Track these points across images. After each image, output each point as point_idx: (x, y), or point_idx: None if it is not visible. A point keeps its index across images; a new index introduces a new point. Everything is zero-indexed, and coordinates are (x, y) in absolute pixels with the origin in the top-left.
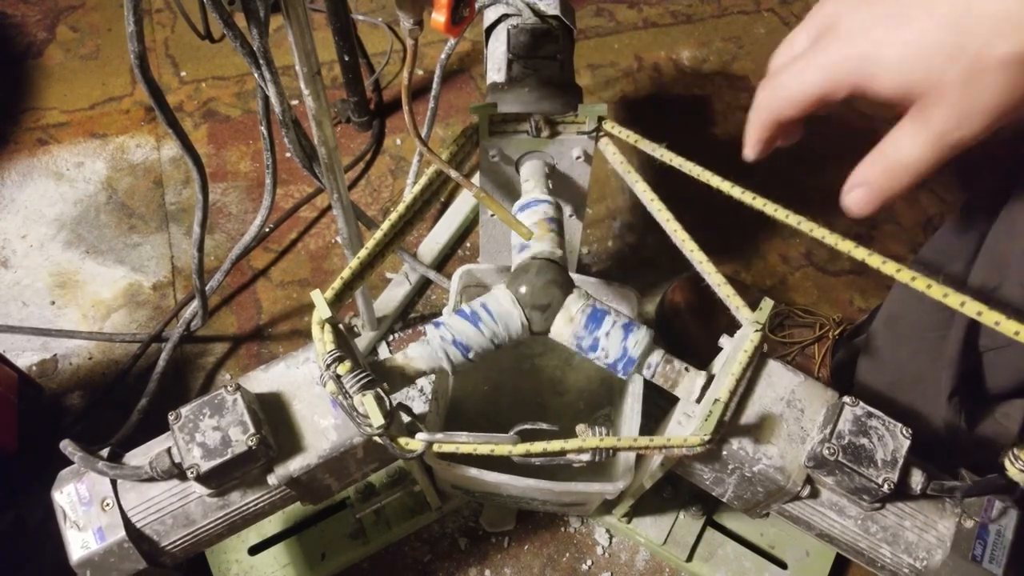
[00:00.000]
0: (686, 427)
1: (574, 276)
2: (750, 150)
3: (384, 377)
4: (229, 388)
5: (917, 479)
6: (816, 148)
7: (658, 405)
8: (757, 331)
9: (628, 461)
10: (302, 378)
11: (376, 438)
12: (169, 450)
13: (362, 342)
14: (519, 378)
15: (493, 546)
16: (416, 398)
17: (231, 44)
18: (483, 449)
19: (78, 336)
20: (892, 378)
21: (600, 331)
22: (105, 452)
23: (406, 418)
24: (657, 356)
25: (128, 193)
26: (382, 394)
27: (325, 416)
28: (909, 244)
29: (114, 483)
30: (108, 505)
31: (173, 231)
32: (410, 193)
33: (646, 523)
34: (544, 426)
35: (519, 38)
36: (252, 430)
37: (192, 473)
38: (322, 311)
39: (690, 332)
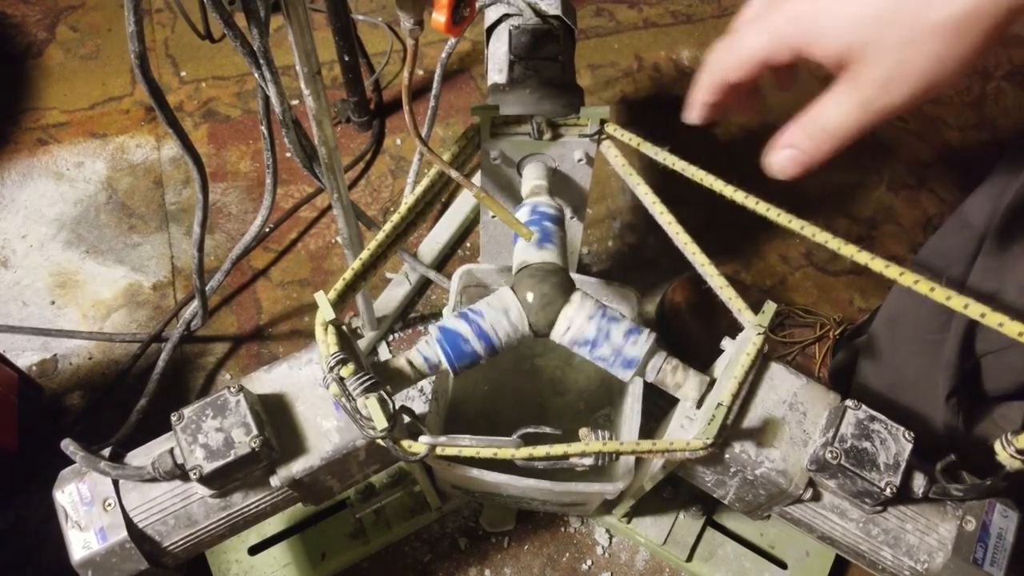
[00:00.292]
0: (688, 430)
1: (575, 276)
2: (691, 111)
3: (385, 378)
4: (232, 389)
5: (919, 482)
6: None
7: (658, 405)
8: (760, 334)
9: (628, 462)
10: (305, 380)
11: (379, 441)
12: (172, 451)
13: (362, 342)
14: (519, 378)
15: (493, 546)
16: (416, 398)
17: (231, 44)
18: (486, 452)
19: (78, 336)
20: (891, 379)
21: (601, 333)
22: (107, 452)
23: (408, 420)
24: (659, 358)
25: (128, 193)
26: (385, 397)
27: (328, 418)
28: (909, 244)
29: (116, 483)
30: (110, 505)
31: (173, 231)
32: (412, 195)
33: (646, 523)
34: (547, 429)
35: (521, 39)
36: (255, 432)
37: (195, 474)
38: (326, 313)
39: (690, 332)
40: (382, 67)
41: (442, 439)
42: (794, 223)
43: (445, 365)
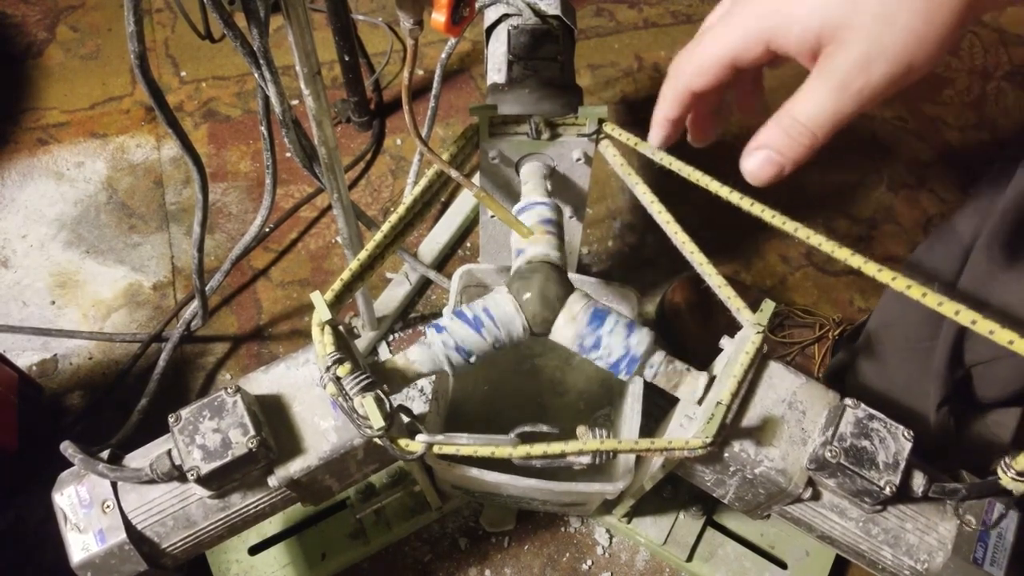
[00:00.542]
0: (688, 429)
1: (574, 276)
2: (656, 131)
3: (384, 378)
4: (229, 390)
5: (919, 481)
6: None
7: (658, 405)
8: (758, 333)
9: (628, 462)
10: (302, 380)
11: (376, 440)
12: (169, 452)
13: (362, 342)
14: (519, 379)
15: (493, 546)
16: (416, 398)
17: (231, 44)
18: (483, 451)
19: (78, 336)
20: (884, 382)
21: (601, 332)
22: (105, 454)
23: (406, 419)
24: (658, 357)
25: (128, 193)
26: (382, 396)
27: (325, 418)
28: (909, 244)
29: (115, 485)
30: (109, 507)
31: (173, 231)
32: (410, 194)
33: (646, 523)
34: (544, 428)
35: (520, 39)
36: (252, 432)
37: (192, 475)
38: (322, 313)
39: (690, 332)
40: (382, 67)
41: (439, 438)
42: (788, 225)
43: (443, 365)
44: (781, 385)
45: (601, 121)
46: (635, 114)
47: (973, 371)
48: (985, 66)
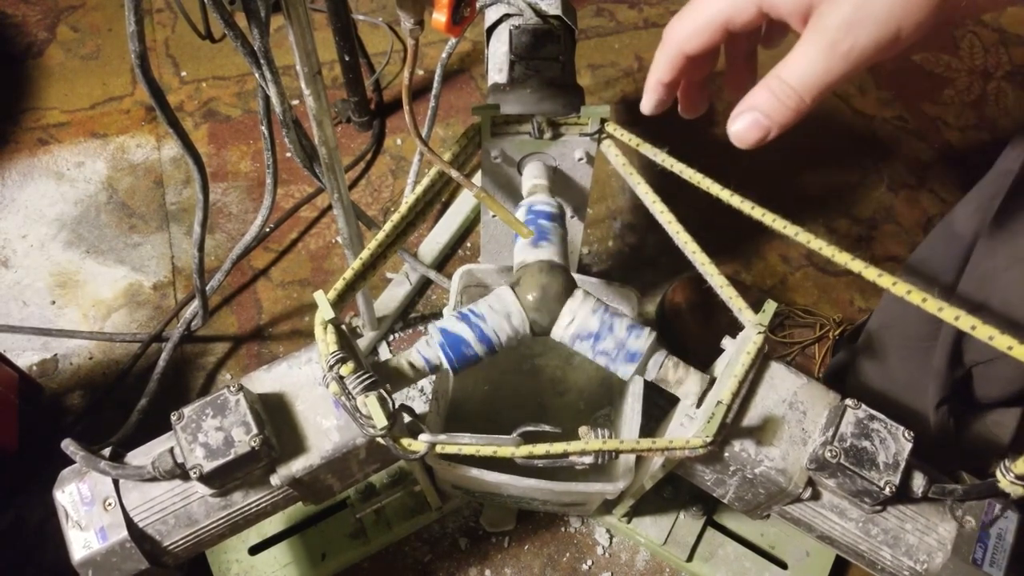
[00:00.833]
0: (688, 429)
1: (575, 276)
2: (648, 95)
3: (385, 377)
4: (232, 388)
5: (918, 482)
6: (816, 148)
7: (658, 405)
8: (760, 333)
9: (628, 462)
10: (305, 379)
11: (379, 439)
12: (172, 450)
13: (363, 342)
14: (519, 378)
15: (493, 546)
16: (416, 398)
17: (232, 44)
18: (486, 451)
19: (78, 336)
20: (884, 382)
21: (602, 331)
22: (107, 452)
23: (408, 419)
24: (659, 357)
25: (128, 193)
26: (385, 395)
27: (328, 417)
28: (909, 245)
29: (116, 483)
30: (110, 505)
31: (173, 231)
32: (412, 194)
33: (646, 523)
34: (546, 428)
35: (521, 39)
36: (255, 431)
37: (195, 473)
38: (325, 312)
39: (690, 332)
40: (382, 67)
41: (441, 437)
42: (789, 229)
43: (445, 364)
44: (782, 385)
45: (603, 121)
46: (636, 114)
47: (973, 371)
48: (985, 66)
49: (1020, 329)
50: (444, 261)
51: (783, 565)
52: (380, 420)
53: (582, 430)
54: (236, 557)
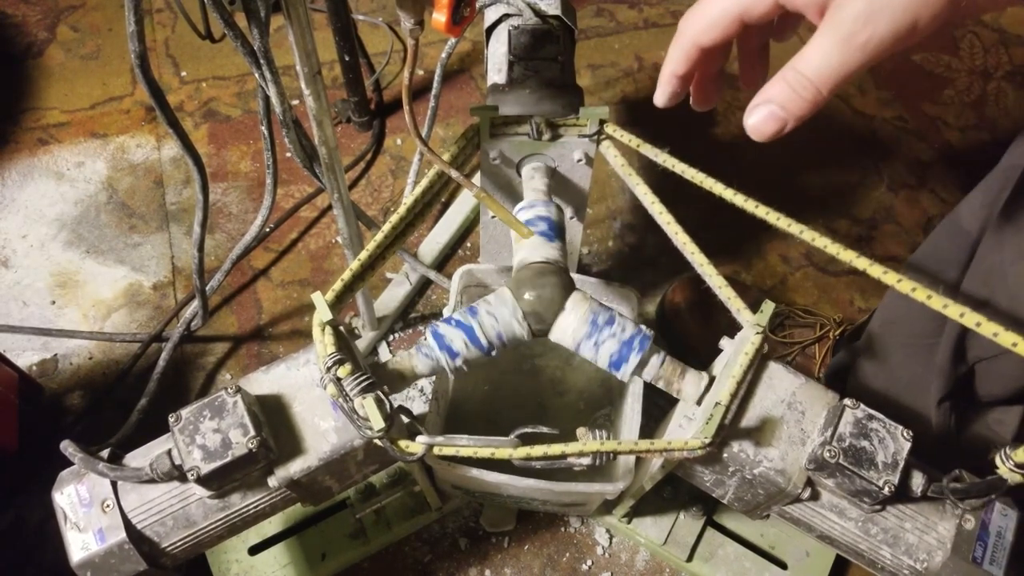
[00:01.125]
0: (687, 429)
1: (574, 277)
2: (662, 88)
3: (384, 379)
4: (229, 390)
5: (918, 481)
6: (816, 148)
7: (658, 405)
8: (758, 333)
9: (628, 462)
10: (302, 380)
11: (377, 441)
12: (169, 452)
13: (362, 342)
14: (519, 379)
15: (493, 546)
16: (416, 398)
17: (232, 44)
18: (483, 452)
19: (78, 336)
20: (885, 381)
21: (601, 332)
22: (105, 453)
23: (406, 420)
24: (658, 358)
25: (128, 193)
26: (383, 397)
27: (325, 418)
28: (909, 245)
29: (114, 484)
30: (108, 506)
31: (173, 231)
32: (411, 195)
33: (646, 523)
34: (544, 429)
35: (520, 39)
36: (252, 432)
37: (192, 475)
38: (323, 313)
39: (690, 332)
40: (382, 67)
41: (439, 439)
42: (793, 227)
43: (443, 366)
44: (780, 385)
45: (602, 122)
46: (635, 114)
47: (976, 367)
48: (985, 66)
49: None
50: (444, 261)
51: (783, 565)
52: (377, 422)
53: (580, 431)
54: (236, 557)
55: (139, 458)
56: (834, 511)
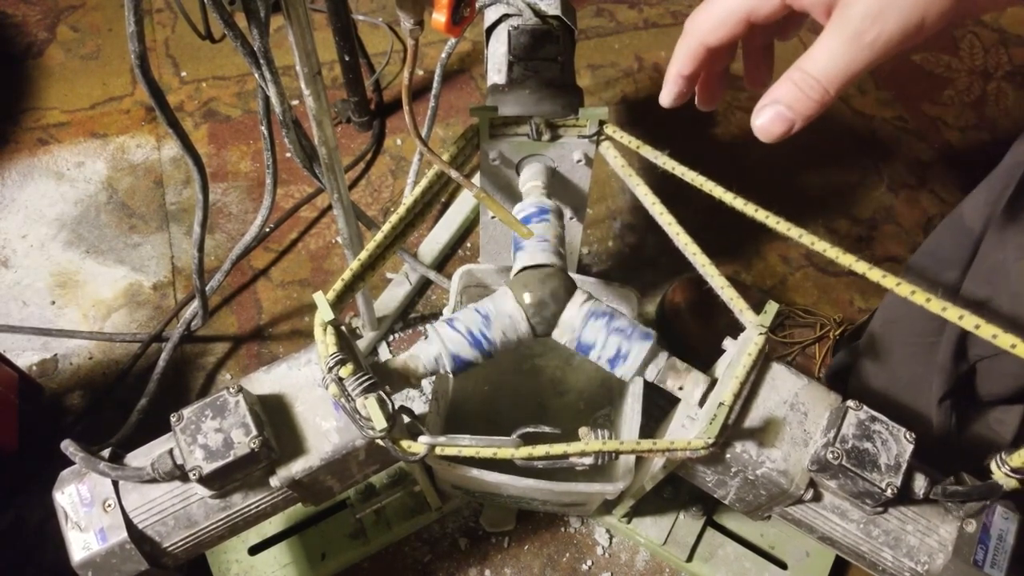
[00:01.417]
0: (689, 430)
1: (575, 277)
2: (668, 88)
3: (385, 379)
4: (231, 390)
5: (920, 483)
6: (816, 148)
7: (658, 405)
8: (761, 334)
9: (628, 462)
10: (304, 380)
11: (378, 441)
12: (171, 451)
13: (363, 342)
14: (519, 379)
15: (493, 546)
16: (416, 398)
17: (232, 44)
18: (485, 452)
19: (78, 336)
20: (886, 380)
21: (602, 333)
22: (106, 453)
23: (408, 420)
24: (660, 358)
25: (128, 193)
26: (384, 397)
27: (327, 418)
28: (909, 245)
29: (116, 484)
30: (110, 506)
31: (173, 231)
32: (411, 195)
33: (646, 523)
34: (546, 429)
35: (520, 39)
36: (254, 432)
37: (194, 475)
38: (324, 313)
39: (690, 333)
40: (382, 67)
41: (441, 439)
42: (793, 231)
43: (444, 366)
44: (783, 386)
45: (602, 122)
46: (635, 114)
47: (978, 366)
48: (985, 66)
49: None
50: (444, 261)
51: (783, 565)
52: (379, 422)
53: (582, 431)
54: (236, 557)
55: (140, 458)
56: (836, 512)
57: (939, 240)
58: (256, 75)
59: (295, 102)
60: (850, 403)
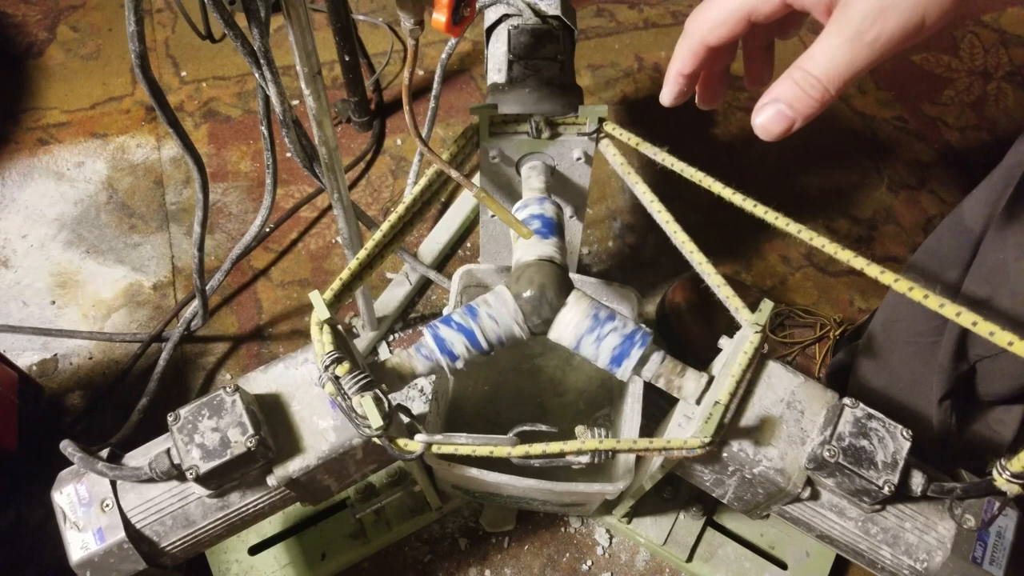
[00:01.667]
0: (686, 429)
1: (574, 276)
2: (669, 87)
3: (383, 378)
4: (228, 389)
5: (917, 481)
6: (816, 148)
7: (658, 406)
8: (757, 332)
9: (628, 462)
10: (301, 379)
11: (375, 439)
12: (168, 451)
13: (362, 342)
14: (519, 379)
15: (493, 546)
16: (416, 398)
17: (232, 44)
18: (482, 451)
19: (78, 336)
20: (886, 380)
21: (600, 332)
22: (105, 453)
23: (405, 419)
24: (657, 357)
25: (129, 193)
26: (381, 395)
27: (324, 417)
28: (909, 245)
29: (114, 484)
30: (108, 506)
31: (173, 231)
32: (410, 194)
33: (646, 523)
34: (543, 427)
35: (520, 39)
36: (251, 431)
37: (191, 474)
38: (320, 312)
39: (690, 332)
40: (382, 67)
41: (438, 437)
42: (791, 227)
43: (442, 365)
44: (780, 385)
45: (601, 120)
46: (635, 114)
47: (978, 366)
48: (985, 67)
49: None
50: (444, 261)
51: (783, 565)
52: (376, 420)
53: (579, 429)
54: (236, 557)
55: (138, 458)
56: (834, 511)
57: (939, 240)
58: (256, 75)
59: (295, 102)
60: (847, 401)
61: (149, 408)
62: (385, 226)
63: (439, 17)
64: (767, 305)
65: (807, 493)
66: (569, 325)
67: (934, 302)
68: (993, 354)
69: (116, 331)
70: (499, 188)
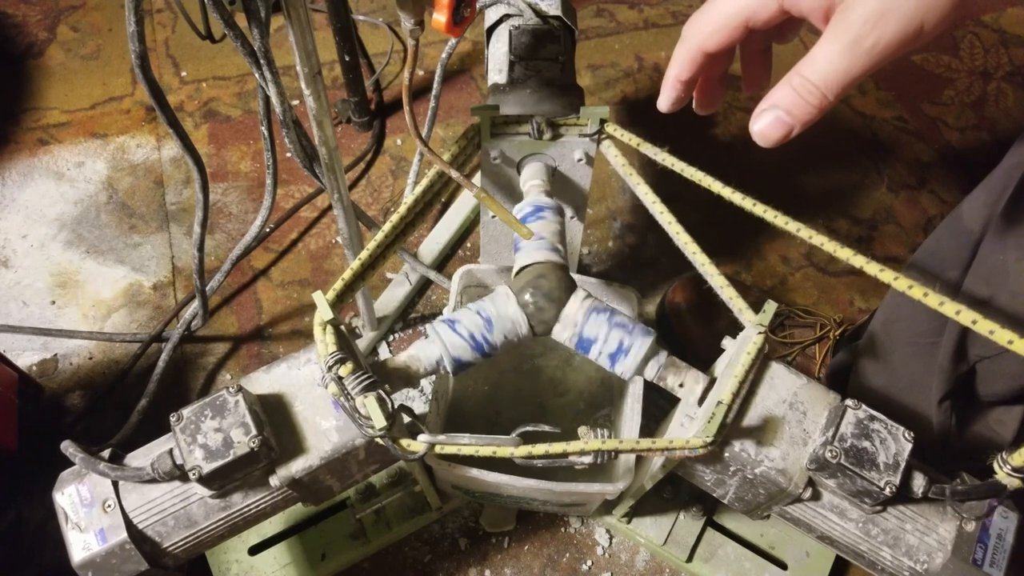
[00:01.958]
0: (688, 429)
1: (575, 276)
2: (666, 92)
3: (385, 378)
4: (231, 389)
5: (919, 482)
6: (816, 148)
7: (658, 406)
8: (760, 333)
9: (628, 462)
10: (304, 379)
11: (378, 440)
12: (171, 451)
13: (363, 342)
14: (519, 379)
15: (493, 546)
16: (416, 398)
17: (232, 44)
18: (485, 451)
19: (78, 336)
20: (886, 380)
21: (602, 332)
22: (106, 453)
23: (407, 419)
24: (659, 357)
25: (129, 193)
26: (384, 396)
27: (327, 417)
28: (909, 245)
29: (116, 484)
30: (110, 506)
31: (174, 231)
32: (411, 194)
33: (646, 523)
34: (546, 428)
35: (521, 39)
36: (254, 431)
37: (194, 475)
38: (324, 312)
39: (691, 332)
40: (383, 67)
41: (441, 437)
42: (791, 225)
43: (444, 365)
44: (782, 385)
45: (603, 121)
46: (636, 114)
47: (978, 366)
48: (985, 67)
49: None
50: (444, 261)
51: (783, 565)
52: (379, 420)
53: (581, 430)
54: (236, 557)
55: (140, 458)
56: (835, 512)
57: (939, 240)
58: (256, 75)
59: (295, 102)
60: (849, 402)
61: (149, 408)
62: (387, 227)
63: (439, 17)
64: (771, 306)
65: (808, 494)
66: (571, 326)
67: (933, 300)
68: (993, 354)
69: (116, 331)
70: (500, 189)
